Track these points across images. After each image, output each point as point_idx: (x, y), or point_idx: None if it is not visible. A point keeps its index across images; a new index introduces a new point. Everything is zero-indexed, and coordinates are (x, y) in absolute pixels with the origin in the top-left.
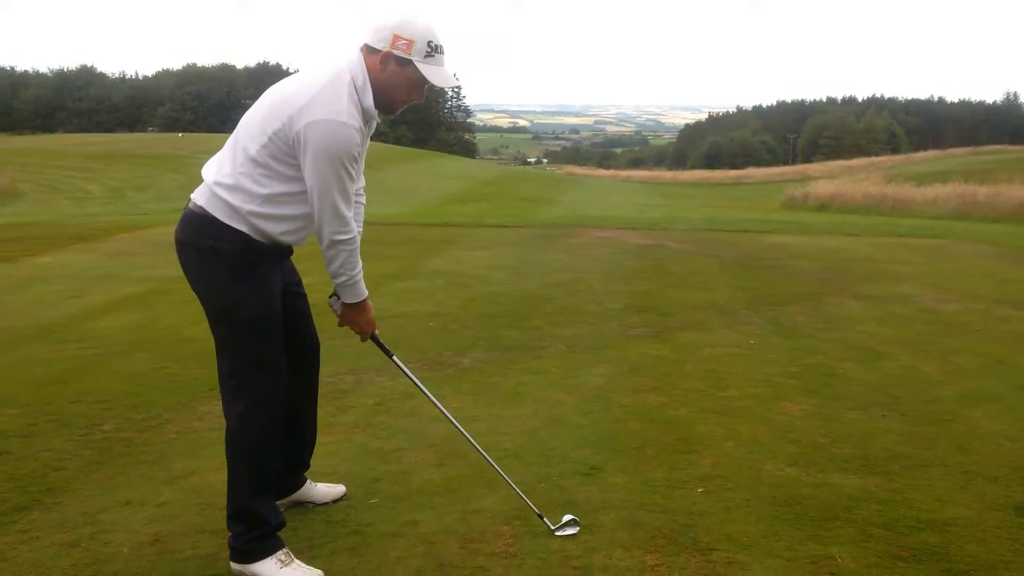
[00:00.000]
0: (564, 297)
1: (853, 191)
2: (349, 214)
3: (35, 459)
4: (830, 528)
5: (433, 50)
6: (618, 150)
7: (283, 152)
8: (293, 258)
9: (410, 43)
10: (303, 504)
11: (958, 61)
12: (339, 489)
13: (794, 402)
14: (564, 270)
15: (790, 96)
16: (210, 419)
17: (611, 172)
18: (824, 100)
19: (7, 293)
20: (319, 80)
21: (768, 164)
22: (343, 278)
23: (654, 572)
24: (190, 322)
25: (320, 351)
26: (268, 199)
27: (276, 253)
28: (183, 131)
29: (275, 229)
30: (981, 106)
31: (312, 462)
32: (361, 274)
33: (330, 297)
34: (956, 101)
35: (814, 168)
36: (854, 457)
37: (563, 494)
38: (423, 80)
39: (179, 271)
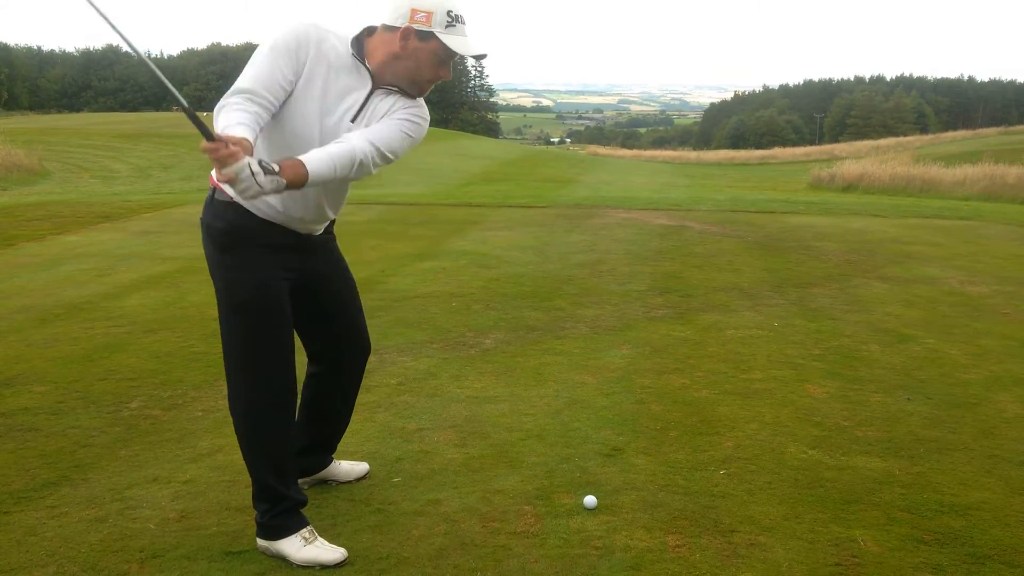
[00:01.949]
0: (587, 278)
1: (880, 172)
2: (244, 85)
3: (63, 436)
4: (853, 511)
5: (454, 20)
6: (642, 130)
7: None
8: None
9: (429, 15)
10: (326, 482)
11: (989, 39)
12: (362, 467)
13: (818, 384)
14: (587, 251)
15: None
16: None
17: (635, 152)
18: (852, 79)
19: (35, 271)
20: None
21: (794, 144)
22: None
23: (675, 553)
24: (215, 301)
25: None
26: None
27: (272, 237)
28: (208, 110)
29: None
30: (1012, 85)
31: None
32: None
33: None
34: (987, 80)
35: (841, 148)
36: (878, 440)
37: (585, 475)
38: (448, 53)
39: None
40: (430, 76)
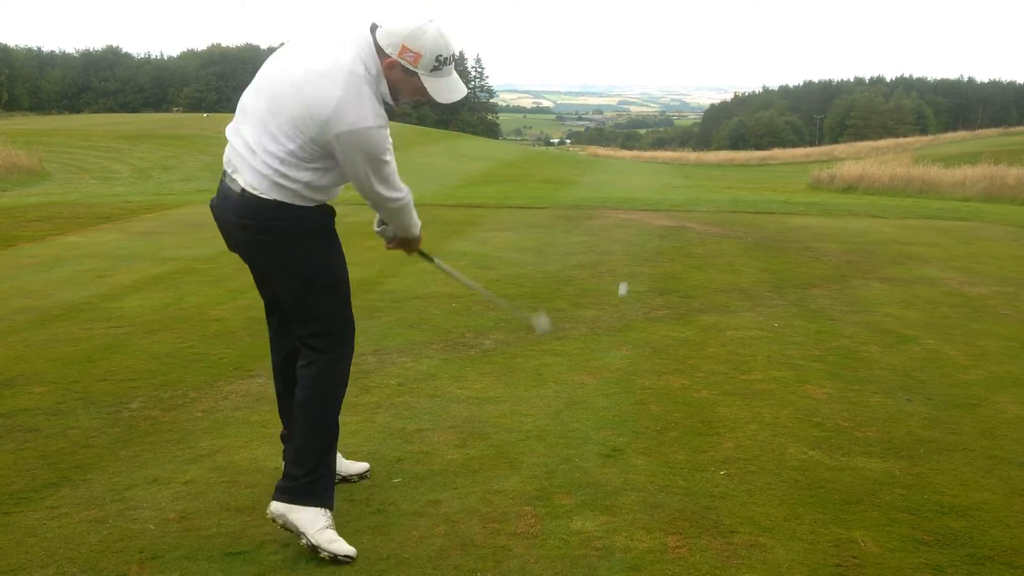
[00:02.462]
0: (587, 279)
1: (880, 172)
2: (395, 182)
3: (63, 436)
4: (853, 512)
5: (441, 64)
6: (642, 131)
7: (319, 155)
8: None
9: (418, 56)
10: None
11: (989, 40)
12: (362, 465)
13: (818, 385)
14: (587, 252)
15: (817, 76)
16: (235, 398)
17: (635, 153)
18: (852, 80)
19: (35, 272)
20: (337, 81)
21: (794, 145)
22: (406, 229)
23: (675, 554)
24: (215, 302)
25: None
26: (314, 176)
27: (333, 222)
28: (208, 111)
29: (324, 196)
30: (1012, 86)
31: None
32: (417, 218)
33: (379, 226)
34: (986, 81)
35: (841, 149)
36: (878, 441)
37: (585, 475)
38: (427, 96)
39: (205, 251)
40: (407, 98)
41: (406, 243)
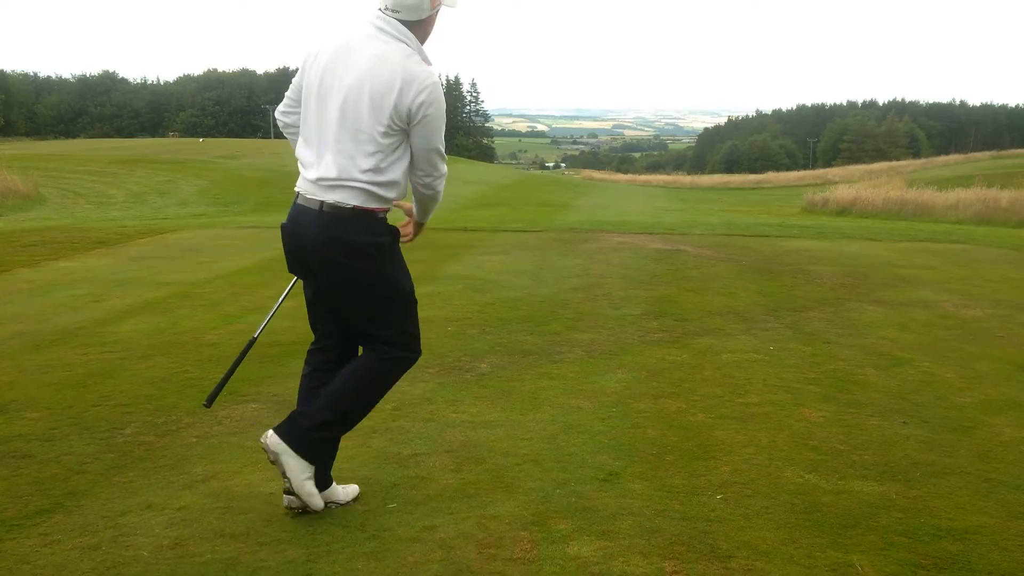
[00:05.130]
0: (582, 302)
1: (873, 196)
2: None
3: (57, 462)
4: (850, 536)
5: None
6: (637, 154)
7: (399, 130)
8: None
9: None
10: (328, 504)
11: (981, 64)
12: (353, 488)
13: (814, 408)
14: (582, 275)
15: (810, 100)
16: (230, 423)
17: (629, 176)
18: (844, 104)
19: (30, 297)
20: (395, 56)
21: (788, 168)
22: (437, 203)
23: None
24: (210, 326)
25: None
26: (391, 166)
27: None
28: (204, 136)
29: (398, 193)
30: (1004, 110)
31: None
32: None
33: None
34: (978, 104)
35: (834, 172)
36: (874, 464)
37: (581, 500)
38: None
39: (200, 275)
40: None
41: (420, 228)
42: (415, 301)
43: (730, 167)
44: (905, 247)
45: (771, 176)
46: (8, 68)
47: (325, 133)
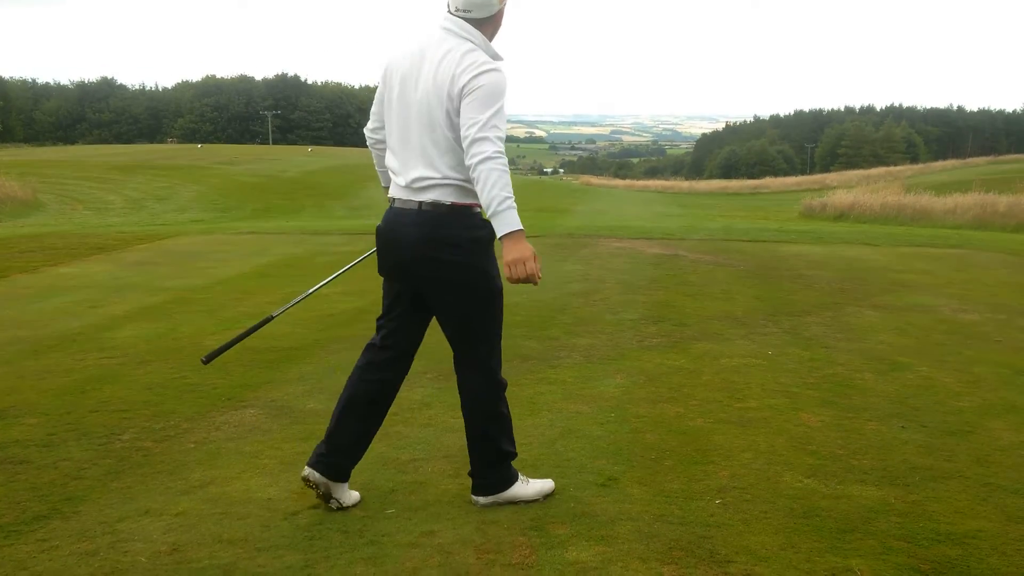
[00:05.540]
0: (581, 307)
1: (871, 201)
2: (503, 129)
3: (54, 468)
4: (849, 540)
5: None
6: (635, 160)
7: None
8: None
9: None
10: (329, 502)
11: (978, 69)
12: (354, 494)
13: (812, 413)
14: (581, 280)
15: (808, 105)
16: (228, 429)
17: (627, 182)
18: (842, 109)
19: (29, 303)
20: (456, 51)
21: (785, 174)
22: (502, 197)
23: None
24: (209, 332)
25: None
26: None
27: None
28: (202, 142)
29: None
30: (1001, 115)
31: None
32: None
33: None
34: (976, 110)
35: (832, 178)
36: (873, 469)
37: (580, 505)
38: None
39: (198, 281)
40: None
41: (519, 251)
42: (502, 298)
43: (728, 172)
44: (903, 252)
45: (769, 181)
46: (6, 74)
47: (409, 140)
